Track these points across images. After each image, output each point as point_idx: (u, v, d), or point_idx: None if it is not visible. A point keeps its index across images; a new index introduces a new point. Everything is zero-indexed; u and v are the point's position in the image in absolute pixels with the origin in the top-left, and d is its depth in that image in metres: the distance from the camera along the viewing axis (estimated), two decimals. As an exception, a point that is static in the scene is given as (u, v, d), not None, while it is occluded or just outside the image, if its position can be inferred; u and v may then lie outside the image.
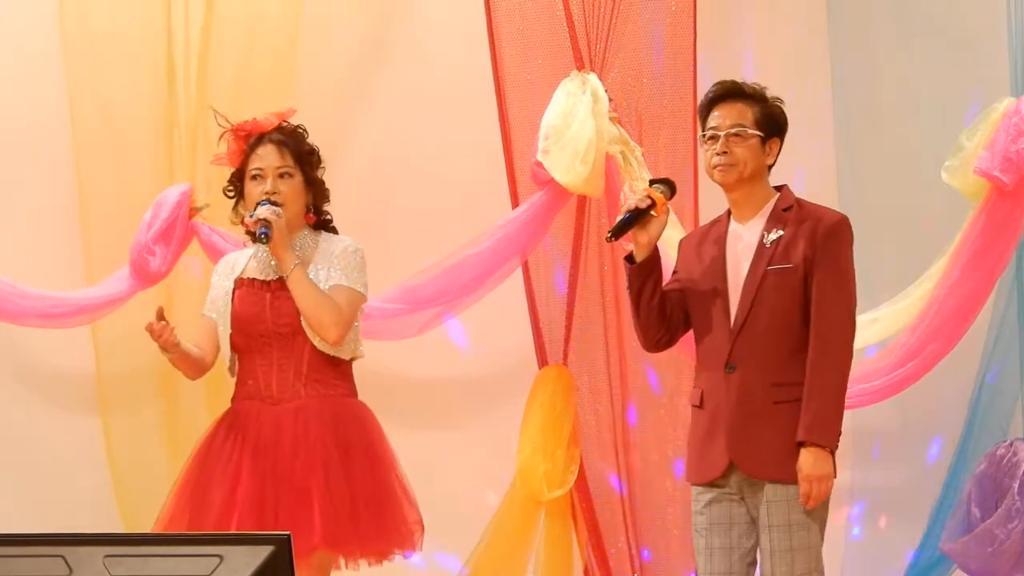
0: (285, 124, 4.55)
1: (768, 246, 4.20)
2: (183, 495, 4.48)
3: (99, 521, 5.63)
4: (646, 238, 4.23)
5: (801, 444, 4.09)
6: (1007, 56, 5.42)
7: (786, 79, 5.59)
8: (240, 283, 4.51)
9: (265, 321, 4.43)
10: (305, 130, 4.56)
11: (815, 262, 4.16)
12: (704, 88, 4.45)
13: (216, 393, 5.08)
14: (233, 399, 4.54)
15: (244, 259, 4.57)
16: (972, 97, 5.55)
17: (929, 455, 5.72)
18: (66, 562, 2.62)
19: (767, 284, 4.17)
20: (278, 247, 4.37)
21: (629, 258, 4.28)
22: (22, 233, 5.93)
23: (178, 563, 2.60)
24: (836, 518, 5.55)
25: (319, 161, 4.56)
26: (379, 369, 5.38)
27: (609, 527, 5.63)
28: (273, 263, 4.45)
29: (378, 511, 4.40)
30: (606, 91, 5.55)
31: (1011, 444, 5.34)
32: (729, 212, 4.33)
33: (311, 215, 4.53)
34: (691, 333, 4.36)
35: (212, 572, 2.58)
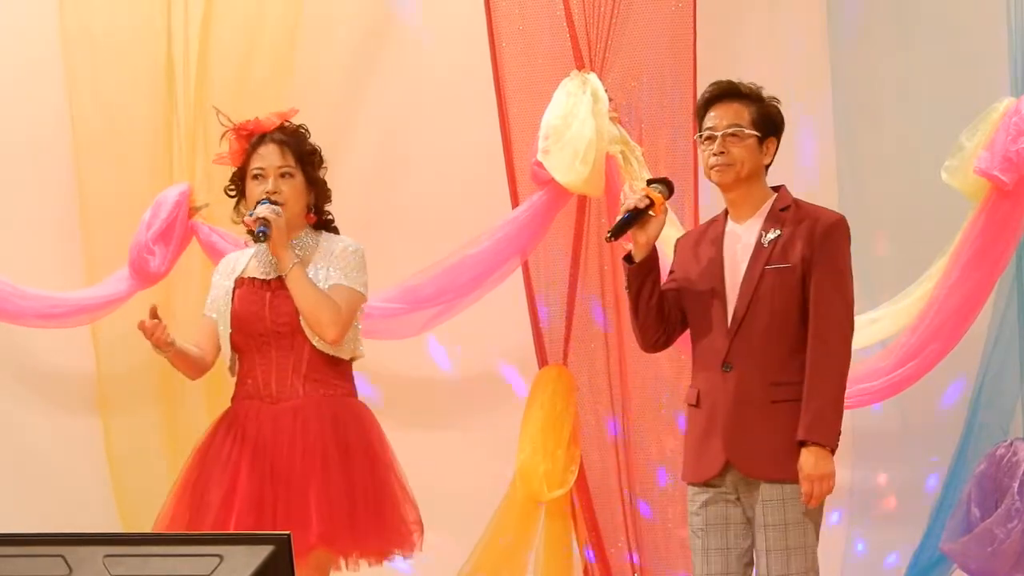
0: (287, 124, 4.55)
1: (766, 246, 4.20)
2: (183, 495, 4.48)
3: (98, 521, 5.64)
4: (644, 238, 4.23)
5: (802, 443, 4.09)
6: (1007, 56, 5.42)
7: (786, 79, 5.59)
8: (240, 282, 4.51)
9: (264, 320, 4.43)
10: (307, 130, 4.56)
11: (813, 262, 4.16)
12: (704, 88, 4.45)
13: (216, 393, 5.08)
14: (233, 398, 4.54)
15: (245, 259, 4.58)
16: (972, 97, 5.54)
17: (929, 455, 5.72)
18: (66, 562, 2.62)
19: (765, 283, 4.17)
20: (277, 246, 4.37)
21: (628, 258, 4.28)
22: (22, 233, 5.93)
23: (178, 563, 2.60)
24: (835, 518, 5.56)
25: (321, 161, 4.56)
26: (379, 369, 5.39)
27: (609, 527, 5.63)
28: (273, 262, 4.45)
29: (377, 511, 4.39)
30: (606, 91, 5.55)
31: (1011, 444, 5.34)
32: (726, 212, 4.33)
33: (312, 215, 4.53)
34: (688, 333, 4.36)
35: (212, 572, 2.57)
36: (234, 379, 4.54)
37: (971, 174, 5.31)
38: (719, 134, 4.24)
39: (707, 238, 4.33)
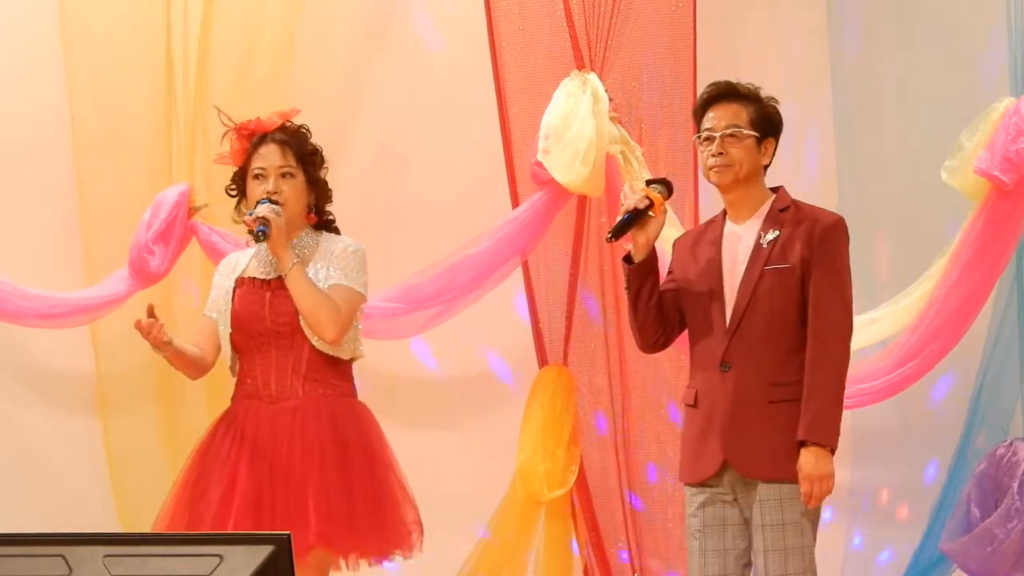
0: (288, 124, 4.55)
1: (765, 246, 4.20)
2: (182, 495, 4.48)
3: (98, 521, 5.63)
4: (644, 238, 4.23)
5: (802, 444, 4.09)
6: (1007, 56, 5.42)
7: (786, 79, 5.60)
8: (241, 282, 4.51)
9: (264, 320, 4.43)
10: (308, 130, 4.56)
11: (812, 263, 4.16)
12: (703, 88, 4.45)
13: (216, 393, 5.08)
14: (233, 398, 4.54)
15: (246, 259, 4.58)
16: (972, 97, 5.54)
17: (929, 455, 5.72)
18: (66, 562, 2.62)
19: (764, 284, 4.17)
20: (276, 245, 4.37)
21: (627, 258, 4.28)
22: (22, 233, 5.93)
23: (178, 563, 2.60)
24: (835, 518, 5.56)
25: (322, 161, 4.56)
26: (379, 369, 5.38)
27: (609, 527, 5.63)
28: (274, 262, 4.45)
29: (376, 510, 4.39)
30: (606, 91, 5.55)
31: (1011, 444, 5.34)
32: (724, 212, 4.33)
33: (313, 215, 4.53)
34: (686, 334, 4.36)
35: (212, 572, 2.57)
36: (235, 379, 4.54)
37: (971, 174, 5.31)
38: (717, 135, 4.24)
39: (705, 239, 4.32)
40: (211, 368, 4.57)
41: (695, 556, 4.21)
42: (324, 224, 4.56)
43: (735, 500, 4.18)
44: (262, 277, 4.49)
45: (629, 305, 4.33)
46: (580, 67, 5.60)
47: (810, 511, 4.14)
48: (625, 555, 5.61)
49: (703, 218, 5.26)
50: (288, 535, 2.62)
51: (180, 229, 5.66)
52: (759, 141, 4.25)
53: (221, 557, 2.58)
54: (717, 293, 4.22)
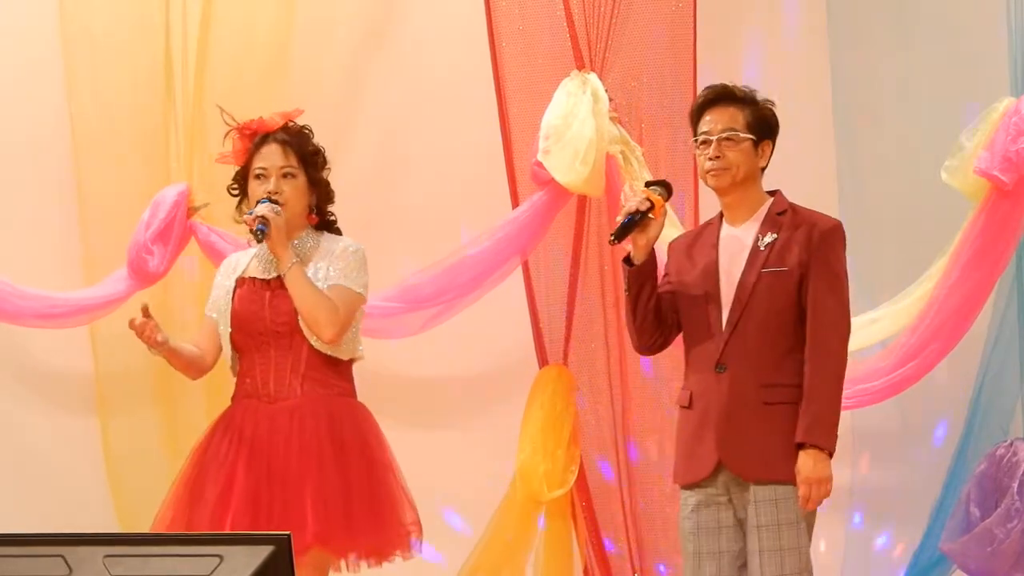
0: (291, 124, 4.55)
1: (763, 249, 4.20)
2: (181, 494, 4.47)
3: (97, 521, 5.63)
4: (644, 240, 4.23)
5: (800, 446, 4.09)
6: (1007, 56, 5.42)
7: (786, 79, 5.60)
8: (241, 282, 4.51)
9: (263, 319, 4.43)
10: (311, 130, 4.56)
11: (810, 266, 4.17)
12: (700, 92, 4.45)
13: (215, 393, 5.08)
14: (232, 398, 4.54)
15: (247, 259, 4.58)
16: (972, 97, 5.54)
17: (929, 455, 5.72)
18: (66, 562, 2.62)
19: (761, 286, 4.17)
20: (276, 245, 4.37)
21: (627, 260, 4.28)
22: (22, 233, 5.93)
23: (178, 563, 2.60)
24: (836, 518, 5.56)
25: (324, 162, 4.55)
26: (379, 369, 5.38)
27: (609, 527, 5.62)
28: (274, 262, 4.45)
29: (373, 510, 4.39)
30: (606, 91, 5.55)
31: (1011, 444, 5.34)
32: (721, 215, 4.33)
33: (314, 215, 4.53)
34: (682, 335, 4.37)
35: (212, 572, 2.57)
36: (235, 379, 4.54)
37: (971, 174, 5.31)
38: (714, 138, 4.24)
39: (702, 241, 4.33)
40: (211, 368, 4.57)
41: (689, 559, 4.21)
42: (325, 224, 4.56)
43: (729, 501, 4.18)
44: (262, 277, 4.49)
45: (628, 307, 4.32)
46: (580, 67, 5.60)
47: (807, 513, 4.13)
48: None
49: (703, 219, 5.26)
50: (288, 535, 2.62)
51: (179, 229, 5.66)
52: (756, 144, 4.25)
53: (221, 557, 2.58)
54: (713, 295, 4.22)
